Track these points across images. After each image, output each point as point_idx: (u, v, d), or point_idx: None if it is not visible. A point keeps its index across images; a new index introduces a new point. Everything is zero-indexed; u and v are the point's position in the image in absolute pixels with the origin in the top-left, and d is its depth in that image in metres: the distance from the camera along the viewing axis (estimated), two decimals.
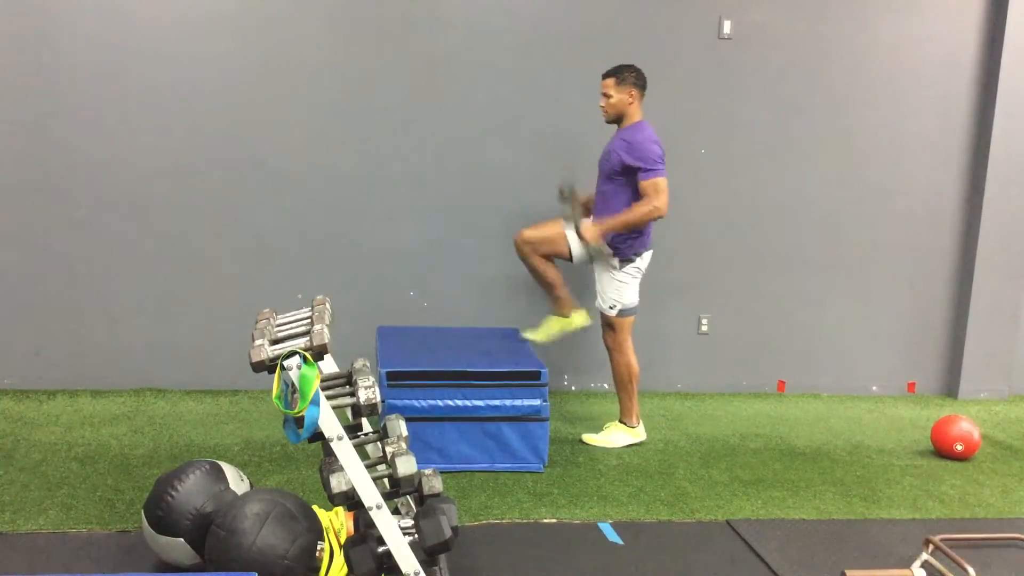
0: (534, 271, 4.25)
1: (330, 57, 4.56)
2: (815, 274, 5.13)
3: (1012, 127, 5.05)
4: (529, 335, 4.32)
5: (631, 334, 4.16)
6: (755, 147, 4.96)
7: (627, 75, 3.94)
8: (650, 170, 3.86)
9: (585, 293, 4.37)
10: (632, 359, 4.15)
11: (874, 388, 5.29)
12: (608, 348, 4.20)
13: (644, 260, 4.10)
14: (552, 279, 4.23)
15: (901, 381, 5.32)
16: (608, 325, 4.14)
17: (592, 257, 4.13)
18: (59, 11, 4.30)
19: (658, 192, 3.85)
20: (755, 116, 4.93)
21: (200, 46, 4.43)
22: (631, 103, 3.95)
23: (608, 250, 4.02)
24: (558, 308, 4.30)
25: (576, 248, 4.15)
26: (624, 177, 3.94)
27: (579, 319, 4.31)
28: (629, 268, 4.04)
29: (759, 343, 5.13)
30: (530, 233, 4.18)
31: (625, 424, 4.19)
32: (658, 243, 4.89)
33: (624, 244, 4.00)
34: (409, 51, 4.60)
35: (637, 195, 3.92)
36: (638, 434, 4.19)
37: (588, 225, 4.01)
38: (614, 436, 4.16)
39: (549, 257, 4.22)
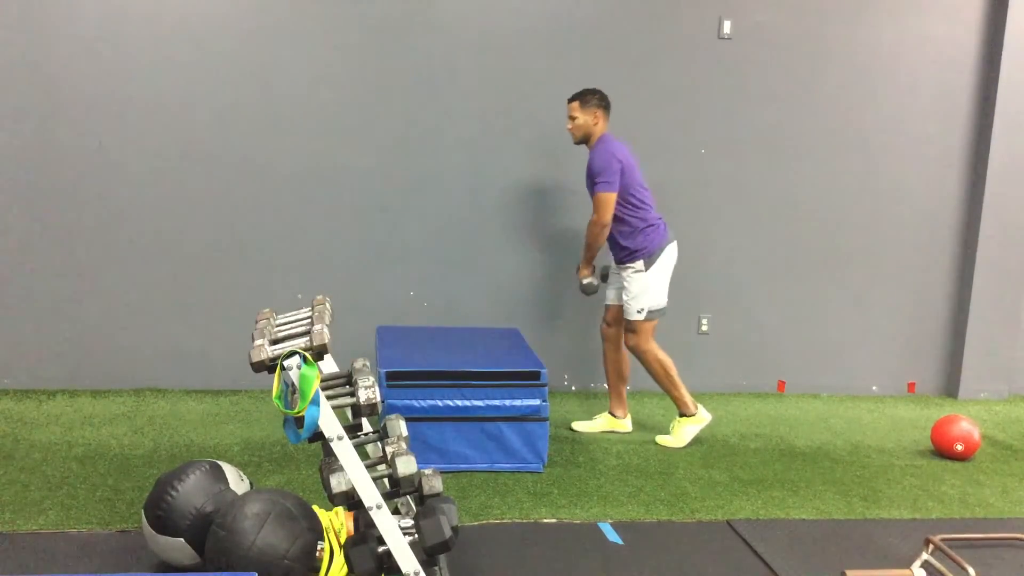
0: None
1: (330, 58, 4.56)
2: (815, 274, 5.12)
3: (1012, 127, 5.04)
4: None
5: (654, 336, 4.18)
6: (755, 147, 4.96)
7: (590, 98, 4.09)
8: (597, 183, 4.01)
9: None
10: (659, 353, 4.17)
11: (874, 388, 5.29)
12: (632, 352, 4.23)
13: (668, 256, 4.14)
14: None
15: (901, 381, 5.32)
16: (631, 330, 4.16)
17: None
18: (59, 12, 4.30)
19: (599, 205, 4.02)
20: (755, 116, 4.93)
21: (200, 47, 4.43)
22: (596, 123, 4.09)
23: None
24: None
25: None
26: None
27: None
28: (654, 267, 4.08)
29: (759, 343, 5.13)
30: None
31: (684, 416, 4.21)
32: None
33: (635, 245, 4.07)
34: (409, 51, 4.60)
35: (624, 204, 4.03)
36: (700, 419, 4.22)
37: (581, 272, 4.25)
38: (684, 432, 4.19)
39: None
